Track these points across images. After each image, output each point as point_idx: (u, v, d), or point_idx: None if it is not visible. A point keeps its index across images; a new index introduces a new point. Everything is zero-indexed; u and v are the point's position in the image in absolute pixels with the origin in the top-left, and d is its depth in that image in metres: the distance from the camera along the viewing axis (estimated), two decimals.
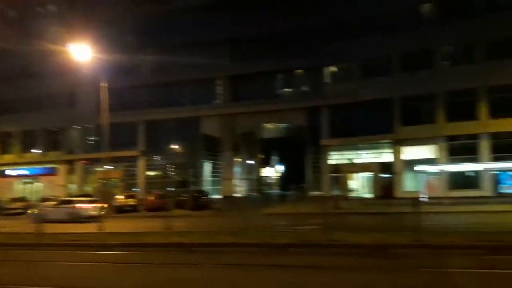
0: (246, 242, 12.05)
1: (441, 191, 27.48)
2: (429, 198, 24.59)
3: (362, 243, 11.27)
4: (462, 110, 28.85)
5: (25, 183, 40.45)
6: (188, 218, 21.08)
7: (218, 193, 35.75)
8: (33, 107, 38.88)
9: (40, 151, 39.88)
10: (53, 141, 40.11)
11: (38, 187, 39.90)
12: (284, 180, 44.33)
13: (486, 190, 27.31)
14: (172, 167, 36.55)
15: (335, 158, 33.30)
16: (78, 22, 34.48)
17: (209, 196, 31.06)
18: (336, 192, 30.30)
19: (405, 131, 30.22)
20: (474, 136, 28.84)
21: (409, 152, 30.78)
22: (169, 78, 35.77)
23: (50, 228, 14.91)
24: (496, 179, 27.07)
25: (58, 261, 10.96)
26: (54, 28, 37.18)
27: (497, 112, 27.93)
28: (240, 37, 34.06)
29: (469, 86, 28.51)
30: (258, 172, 44.00)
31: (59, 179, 38.96)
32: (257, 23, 33.85)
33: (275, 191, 41.38)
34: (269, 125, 39.17)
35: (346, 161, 32.80)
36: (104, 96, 26.06)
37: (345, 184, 32.10)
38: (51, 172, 39.68)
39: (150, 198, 29.51)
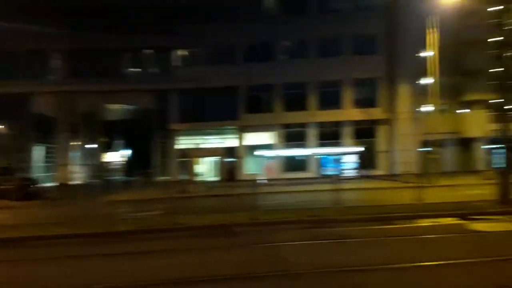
0: (82, 232, 11.20)
1: (277, 174, 30.42)
2: (268, 180, 26.99)
3: (205, 224, 11.72)
4: (296, 101, 32.40)
5: None
6: (13, 210, 18.43)
7: (52, 181, 32.03)
8: None
9: None
10: None
11: None
12: (129, 165, 42.25)
13: (312, 172, 31.36)
14: None
15: (183, 142, 33.41)
16: None
17: (40, 184, 27.55)
18: (183, 177, 30.44)
19: (248, 118, 32.27)
20: (304, 125, 32.69)
21: (251, 138, 33.07)
22: None
23: None
24: (321, 162, 31.27)
25: None
26: None
27: (323, 104, 32.17)
28: (85, 7, 30.73)
29: (302, 80, 32.07)
30: (100, 157, 40.92)
31: None
32: None
33: (120, 177, 39.20)
34: (113, 106, 36.75)
35: (193, 146, 33.21)
36: None
37: (192, 168, 32.57)
38: None
39: None
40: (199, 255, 8.61)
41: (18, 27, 28.77)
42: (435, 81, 25.01)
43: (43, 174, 32.35)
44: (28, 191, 24.54)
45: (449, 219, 11.76)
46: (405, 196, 14.42)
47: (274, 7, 33.48)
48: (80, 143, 36.17)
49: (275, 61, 32.87)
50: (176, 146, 33.14)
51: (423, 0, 25.18)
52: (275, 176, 29.38)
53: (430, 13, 24.12)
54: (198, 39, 32.07)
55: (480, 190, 15.91)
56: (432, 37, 24.58)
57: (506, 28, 14.18)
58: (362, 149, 30.53)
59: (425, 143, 27.69)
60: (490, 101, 20.00)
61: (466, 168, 29.92)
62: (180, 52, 34.20)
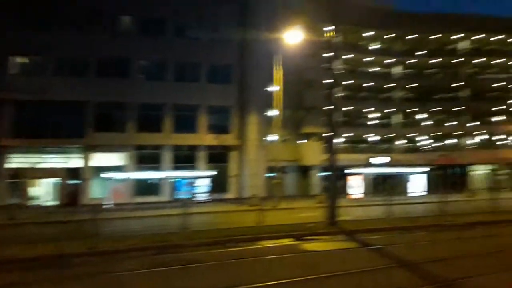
0: None
1: (126, 198, 28.80)
2: (115, 204, 25.36)
3: (36, 255, 10.32)
4: (151, 123, 31.74)
5: None
6: None
7: None
8: None
9: None
10: None
11: None
12: None
13: (165, 195, 30.79)
14: None
15: (17, 161, 29.19)
16: None
17: None
18: (15, 201, 26.50)
19: (96, 137, 30.12)
20: (159, 147, 32.12)
21: (99, 159, 30.84)
22: None
23: None
24: (174, 186, 30.97)
25: None
26: None
27: (179, 127, 32.24)
28: None
29: (158, 102, 31.67)
30: None
31: None
32: None
33: None
34: None
35: (29, 165, 29.25)
36: None
37: (26, 191, 28.61)
38: None
39: None
40: None
41: None
42: (279, 114, 27.72)
43: None
44: None
45: (286, 240, 12.90)
46: (249, 219, 15.31)
47: (132, 24, 32.64)
48: None
49: (130, 79, 31.79)
50: (8, 165, 28.72)
51: (272, 39, 27.89)
52: (123, 200, 27.78)
53: (277, 52, 26.91)
54: (43, 47, 28.96)
55: (314, 212, 17.91)
56: (278, 74, 27.34)
57: (335, 72, 16.73)
58: (215, 173, 31.43)
59: (270, 169, 30.15)
60: (322, 134, 23.04)
61: (304, 192, 33.56)
62: (18, 59, 30.25)
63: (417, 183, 34.97)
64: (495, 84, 46.58)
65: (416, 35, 44.90)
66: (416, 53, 45.78)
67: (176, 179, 31.01)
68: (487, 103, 46.09)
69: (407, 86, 45.64)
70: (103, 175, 29.45)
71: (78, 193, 29.57)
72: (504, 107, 46.04)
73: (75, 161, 30.51)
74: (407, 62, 45.90)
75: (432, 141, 46.39)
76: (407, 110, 45.52)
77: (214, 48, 32.48)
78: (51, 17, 29.87)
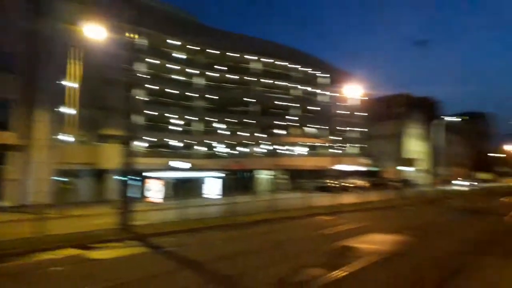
0: None
1: None
2: None
3: None
4: None
5: None
6: None
7: None
8: None
9: None
10: None
11: None
12: None
13: None
14: None
15: None
16: None
17: None
18: None
19: None
20: None
21: None
22: None
23: None
24: None
25: None
26: None
27: None
28: None
29: None
30: None
31: None
32: None
33: None
34: None
35: None
36: None
37: None
38: None
39: None
40: None
41: None
42: (76, 112, 25.33)
43: None
44: None
45: (70, 250, 11.81)
46: (26, 229, 13.36)
47: None
48: None
49: None
50: None
51: (69, 29, 25.37)
52: None
53: (75, 44, 24.60)
54: None
55: (108, 219, 16.90)
56: (75, 68, 25.01)
57: (138, 74, 16.40)
58: None
59: (61, 173, 27.16)
60: (121, 136, 22.19)
61: (100, 198, 31.46)
62: None
63: (214, 187, 37.44)
64: (279, 102, 54.71)
65: (217, 51, 48.75)
66: (216, 67, 49.64)
67: None
68: (272, 118, 53.57)
69: (208, 97, 48.84)
70: None
71: None
72: (285, 122, 54.45)
73: None
74: (209, 74, 49.18)
75: (227, 148, 50.86)
76: (207, 119, 48.69)
77: None
78: None
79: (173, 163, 41.09)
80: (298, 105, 56.18)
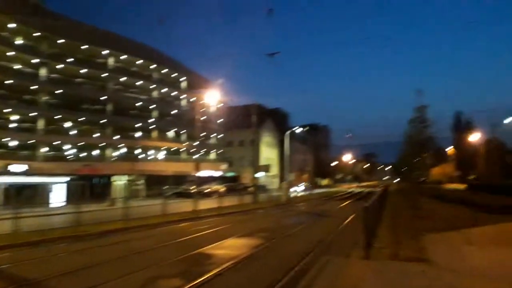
0: None
1: None
2: None
3: None
4: None
5: None
6: None
7: None
8: None
9: None
10: None
11: None
12: None
13: None
14: None
15: None
16: None
17: None
18: None
19: None
20: None
21: None
22: None
23: None
24: None
25: None
26: None
27: None
28: None
29: None
30: None
31: None
32: None
33: None
34: None
35: None
36: None
37: None
38: None
39: None
40: None
41: None
42: None
43: None
44: None
45: None
46: None
47: None
48: None
49: None
50: None
51: None
52: None
53: None
54: None
55: None
56: None
57: None
58: None
59: None
60: None
61: None
62: None
63: (59, 193, 33.42)
64: (136, 103, 52.24)
65: (65, 40, 43.91)
66: (65, 59, 44.65)
67: None
68: (129, 119, 50.83)
69: (54, 92, 43.58)
70: None
71: None
72: (142, 124, 52.25)
73: None
74: (56, 66, 43.96)
75: (77, 150, 46.17)
76: (53, 117, 43.37)
77: None
78: None
79: (9, 166, 35.49)
80: (155, 106, 54.65)
